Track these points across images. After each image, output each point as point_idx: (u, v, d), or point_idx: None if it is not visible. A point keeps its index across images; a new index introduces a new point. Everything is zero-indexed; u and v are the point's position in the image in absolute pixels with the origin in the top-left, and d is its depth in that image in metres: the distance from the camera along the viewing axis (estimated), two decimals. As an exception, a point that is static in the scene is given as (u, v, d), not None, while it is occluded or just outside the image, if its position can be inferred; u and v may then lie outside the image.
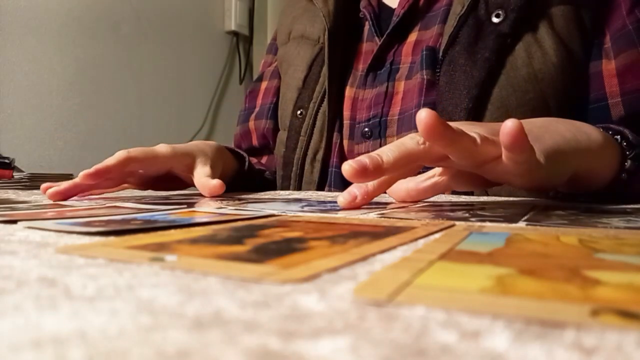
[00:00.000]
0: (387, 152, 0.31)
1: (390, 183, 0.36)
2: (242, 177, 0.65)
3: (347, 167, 0.30)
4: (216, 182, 0.50)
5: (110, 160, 0.48)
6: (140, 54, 1.34)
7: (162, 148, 0.53)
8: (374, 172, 0.30)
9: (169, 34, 1.43)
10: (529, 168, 0.31)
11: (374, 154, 0.31)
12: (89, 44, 1.22)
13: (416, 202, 0.38)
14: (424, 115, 0.28)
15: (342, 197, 0.34)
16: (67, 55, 1.18)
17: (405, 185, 0.38)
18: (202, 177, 0.52)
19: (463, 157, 0.31)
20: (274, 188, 0.74)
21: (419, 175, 0.38)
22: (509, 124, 0.28)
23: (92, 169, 0.46)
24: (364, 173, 0.30)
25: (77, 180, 0.46)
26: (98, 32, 1.25)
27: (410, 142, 0.32)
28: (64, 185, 0.46)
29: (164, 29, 1.41)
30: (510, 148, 0.29)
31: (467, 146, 0.30)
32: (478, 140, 0.30)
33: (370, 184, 0.35)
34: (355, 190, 0.35)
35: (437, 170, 0.37)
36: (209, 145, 0.60)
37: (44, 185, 0.46)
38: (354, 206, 0.34)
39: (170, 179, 0.57)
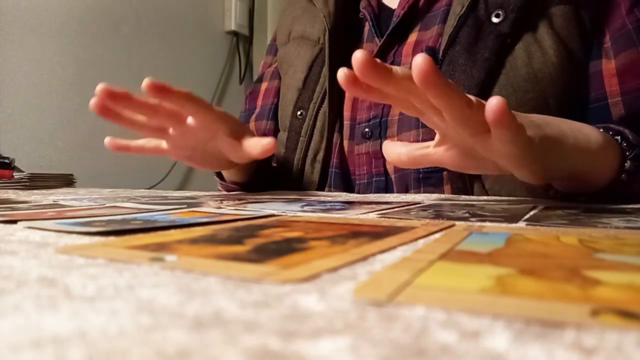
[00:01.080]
0: (397, 69, 0.30)
1: (385, 98, 0.35)
2: (266, 163, 0.66)
3: (358, 52, 0.28)
4: (270, 139, 0.47)
5: (172, 87, 0.45)
6: (140, 54, 1.34)
7: (218, 107, 0.50)
8: (381, 68, 0.29)
9: (169, 34, 1.43)
10: (516, 149, 0.31)
11: None
12: (89, 44, 1.22)
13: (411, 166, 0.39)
14: (419, 61, 0.27)
15: (342, 72, 0.32)
16: (67, 55, 1.18)
17: (399, 149, 0.38)
18: (253, 138, 0.49)
19: (456, 116, 0.31)
20: (285, 185, 0.73)
21: (414, 143, 0.39)
22: (493, 101, 0.28)
23: (159, 83, 0.43)
24: (372, 63, 0.28)
25: (135, 95, 0.44)
26: (98, 32, 1.25)
27: None
28: (119, 89, 0.43)
29: (164, 29, 1.41)
30: (495, 124, 0.29)
31: (460, 105, 0.30)
32: (473, 101, 0.30)
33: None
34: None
35: (433, 142, 0.37)
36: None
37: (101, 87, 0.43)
38: (352, 85, 0.32)
39: (205, 153, 0.53)
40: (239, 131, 0.51)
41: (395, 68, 0.30)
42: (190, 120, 0.49)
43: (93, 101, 0.44)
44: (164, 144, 0.51)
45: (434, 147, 0.37)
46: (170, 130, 0.50)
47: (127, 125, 0.48)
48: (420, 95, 0.31)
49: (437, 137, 0.38)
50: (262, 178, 0.66)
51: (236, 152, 0.51)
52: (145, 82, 0.42)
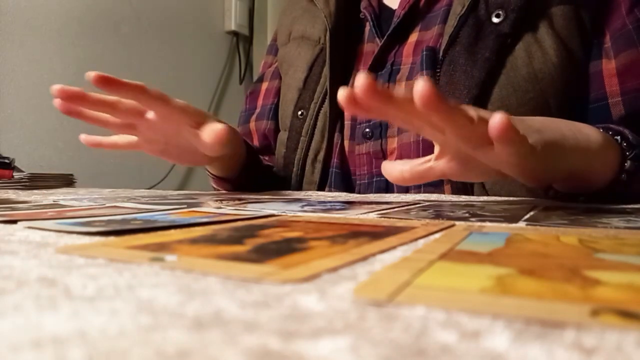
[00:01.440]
0: (399, 90, 0.30)
1: (384, 116, 0.34)
2: (254, 161, 0.65)
3: (361, 77, 0.28)
4: (222, 126, 0.47)
5: (126, 80, 0.45)
6: (140, 54, 1.34)
7: (177, 99, 0.50)
8: (382, 92, 0.29)
9: (169, 34, 1.43)
10: (518, 159, 0.32)
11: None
12: (89, 44, 1.22)
13: (412, 184, 0.38)
14: (420, 86, 0.27)
15: (342, 92, 0.31)
16: (67, 55, 1.18)
17: (400, 167, 0.37)
18: (207, 126, 0.49)
19: (458, 133, 0.31)
20: (281, 185, 0.73)
21: (415, 159, 0.38)
22: (497, 118, 0.28)
23: (105, 75, 0.43)
24: (373, 88, 0.28)
25: (88, 93, 0.44)
26: (98, 32, 1.25)
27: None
28: (73, 89, 0.44)
29: (164, 29, 1.41)
30: (499, 140, 0.29)
31: (462, 123, 0.30)
32: (475, 118, 0.30)
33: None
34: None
35: (433, 155, 0.37)
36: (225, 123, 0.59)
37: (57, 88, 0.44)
38: (352, 105, 0.31)
39: (179, 147, 0.53)
40: (202, 121, 0.50)
41: (397, 92, 0.30)
42: (150, 114, 0.49)
43: (56, 102, 0.44)
44: (136, 139, 0.52)
45: (435, 160, 0.37)
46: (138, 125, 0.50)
47: (92, 122, 0.48)
48: (421, 116, 0.31)
49: (436, 149, 0.38)
50: (251, 176, 0.65)
51: (200, 143, 0.51)
52: (91, 75, 0.42)
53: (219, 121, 0.52)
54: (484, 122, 0.30)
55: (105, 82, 0.43)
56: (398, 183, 0.38)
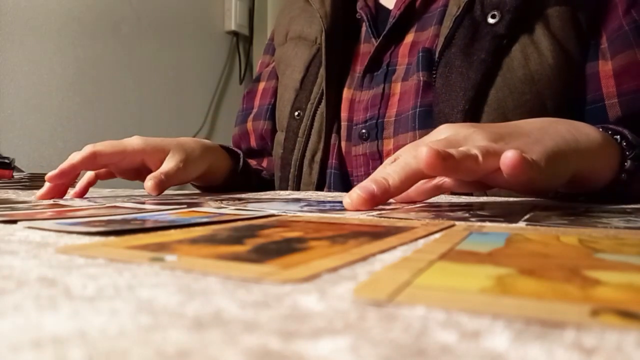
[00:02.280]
0: (393, 174, 0.31)
1: None
2: (236, 175, 0.65)
3: (355, 196, 0.30)
4: (150, 183, 0.49)
5: (75, 157, 0.48)
6: (140, 54, 1.34)
7: (133, 141, 0.53)
8: (382, 197, 0.31)
9: (169, 34, 1.43)
10: (529, 180, 0.32)
11: (379, 177, 0.31)
12: (89, 44, 1.22)
13: (415, 202, 0.39)
14: (425, 156, 0.28)
15: (348, 199, 0.33)
16: (67, 55, 1.18)
17: None
18: (152, 174, 0.51)
19: (466, 176, 0.32)
20: (272, 188, 0.74)
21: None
22: (509, 156, 0.28)
23: (57, 170, 0.47)
24: (373, 200, 0.31)
25: (48, 185, 0.47)
26: (98, 32, 1.25)
27: (413, 161, 0.32)
28: (40, 191, 0.47)
29: (164, 29, 1.41)
30: (512, 176, 0.29)
31: (469, 167, 0.31)
32: (480, 157, 0.31)
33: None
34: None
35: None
36: (197, 142, 0.59)
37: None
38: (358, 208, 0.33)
39: (147, 172, 0.55)
40: (163, 157, 0.54)
41: (393, 184, 0.31)
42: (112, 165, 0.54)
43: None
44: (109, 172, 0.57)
45: (440, 177, 0.37)
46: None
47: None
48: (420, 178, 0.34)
49: None
50: (237, 182, 0.66)
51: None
52: (47, 180, 0.47)
53: (183, 150, 0.55)
54: (490, 156, 0.31)
55: (62, 176, 0.47)
56: (403, 201, 0.38)
